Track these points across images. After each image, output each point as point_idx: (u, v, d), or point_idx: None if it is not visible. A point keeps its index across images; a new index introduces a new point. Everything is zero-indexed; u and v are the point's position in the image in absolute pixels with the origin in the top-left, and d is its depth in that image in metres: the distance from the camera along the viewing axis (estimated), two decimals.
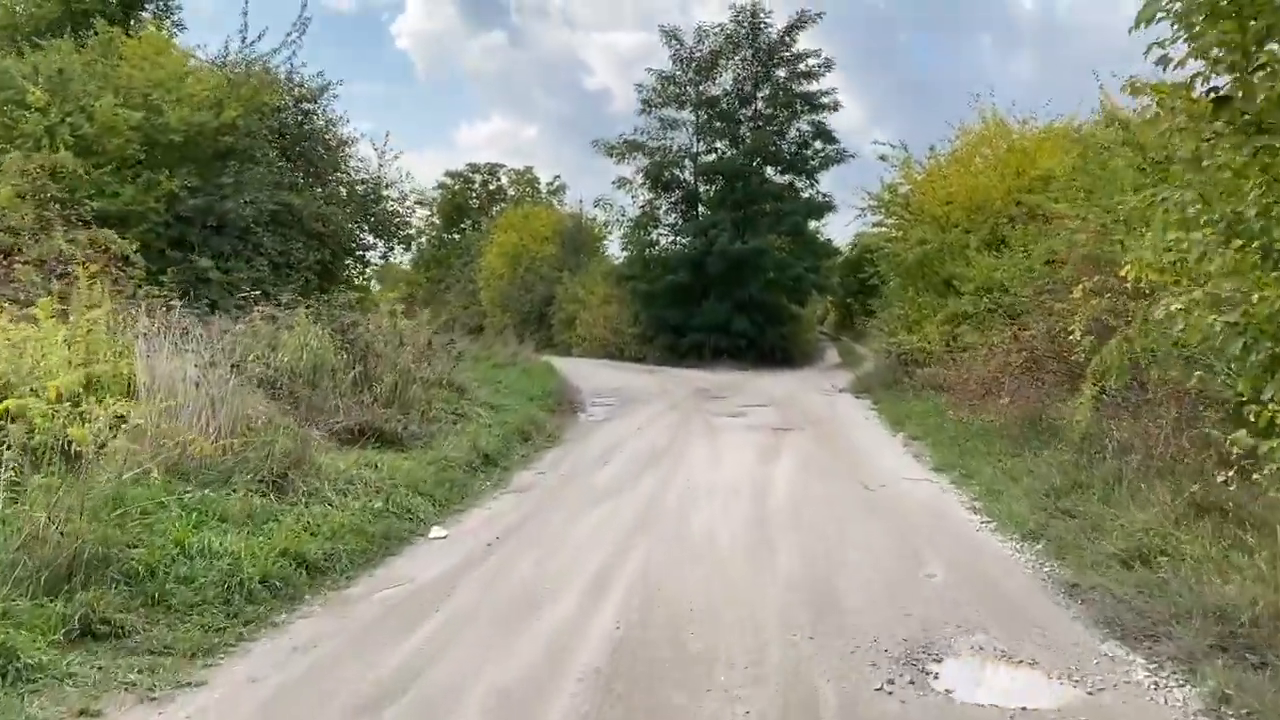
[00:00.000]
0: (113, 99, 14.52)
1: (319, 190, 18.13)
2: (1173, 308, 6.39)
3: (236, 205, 15.09)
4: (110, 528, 5.70)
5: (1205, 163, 5.76)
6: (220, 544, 6.10)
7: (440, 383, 13.17)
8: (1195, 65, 5.67)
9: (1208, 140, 5.82)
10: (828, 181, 44.70)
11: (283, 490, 7.36)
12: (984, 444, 10.92)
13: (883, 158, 19.23)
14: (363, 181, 19.47)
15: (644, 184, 29.07)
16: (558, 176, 59.89)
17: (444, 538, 7.58)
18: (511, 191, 52.44)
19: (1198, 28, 5.34)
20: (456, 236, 52.27)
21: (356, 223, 19.04)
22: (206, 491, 6.85)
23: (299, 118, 17.94)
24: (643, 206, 29.44)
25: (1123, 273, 8.93)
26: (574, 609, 5.86)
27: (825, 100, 28.41)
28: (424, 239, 55.52)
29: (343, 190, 19.15)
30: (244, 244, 15.58)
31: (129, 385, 7.77)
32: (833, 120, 28.94)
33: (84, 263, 8.95)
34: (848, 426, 13.91)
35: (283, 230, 16.45)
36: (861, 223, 19.92)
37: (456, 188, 53.02)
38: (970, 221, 17.95)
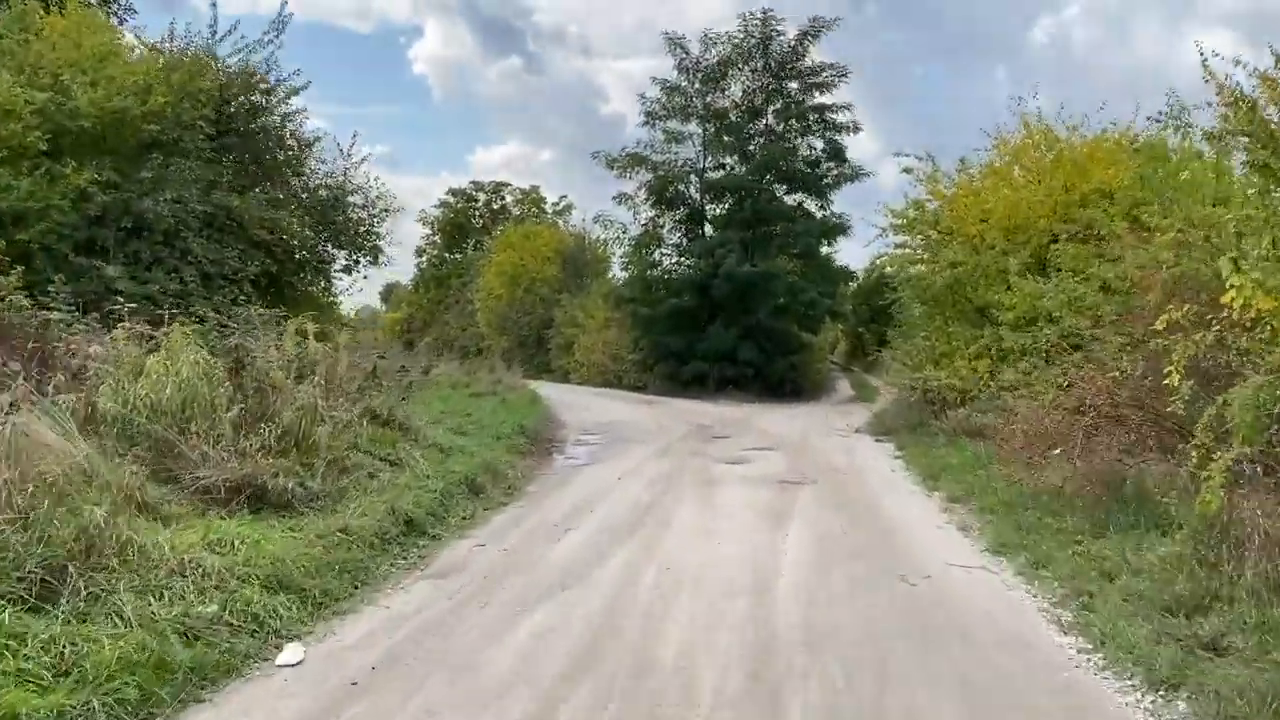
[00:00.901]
0: (12, 78, 12.19)
1: (274, 193, 15.78)
2: None
3: (155, 204, 12.71)
4: None
5: None
6: None
7: (378, 420, 10.72)
8: None
9: None
10: (840, 205, 42.13)
11: (53, 595, 4.88)
12: (1049, 515, 8.39)
13: (907, 170, 16.78)
14: (325, 186, 17.11)
15: (647, 199, 26.66)
16: (564, 196, 57.54)
17: (295, 665, 5.09)
18: (516, 211, 50.20)
19: None
20: (459, 256, 50.04)
21: (316, 232, 16.68)
22: None
23: (248, 110, 15.60)
24: (645, 224, 27.03)
25: (1226, 298, 6.55)
26: None
27: (840, 119, 26.05)
28: (424, 258, 53.39)
29: (304, 195, 16.79)
30: (169, 250, 13.21)
31: None
32: (846, 142, 26.55)
33: None
34: (871, 481, 11.35)
35: (220, 236, 14.09)
36: (882, 244, 17.45)
37: (459, 206, 50.85)
38: (1009, 242, 15.48)
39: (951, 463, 11.75)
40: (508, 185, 51.05)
